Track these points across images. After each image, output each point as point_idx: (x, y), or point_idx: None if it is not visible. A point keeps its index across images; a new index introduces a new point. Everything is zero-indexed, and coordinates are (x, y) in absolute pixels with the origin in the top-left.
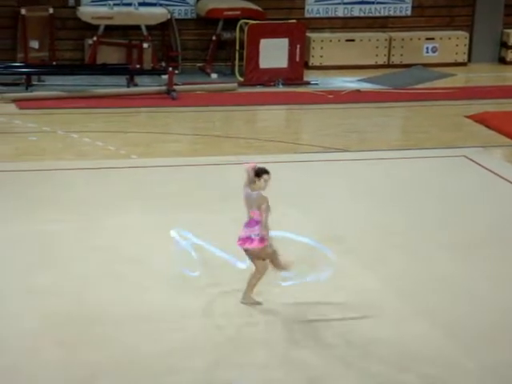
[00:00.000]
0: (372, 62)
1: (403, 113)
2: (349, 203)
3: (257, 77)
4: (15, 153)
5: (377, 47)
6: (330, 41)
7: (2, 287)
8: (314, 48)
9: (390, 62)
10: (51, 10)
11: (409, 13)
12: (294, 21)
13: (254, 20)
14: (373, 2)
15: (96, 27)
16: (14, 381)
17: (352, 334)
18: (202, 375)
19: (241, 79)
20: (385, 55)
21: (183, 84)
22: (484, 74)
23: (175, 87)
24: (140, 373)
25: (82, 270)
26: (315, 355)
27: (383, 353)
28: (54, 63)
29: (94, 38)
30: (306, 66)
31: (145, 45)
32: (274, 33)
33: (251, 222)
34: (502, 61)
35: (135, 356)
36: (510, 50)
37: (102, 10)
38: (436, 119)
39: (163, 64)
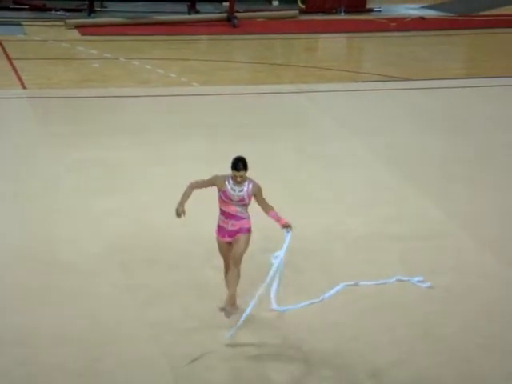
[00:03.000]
0: None
1: (468, 40)
2: (410, 133)
3: (318, 4)
4: (78, 79)
5: None
6: None
7: (68, 212)
8: None
9: None
10: None
11: None
12: None
13: None
14: None
15: None
16: (80, 302)
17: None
18: None
19: (302, 6)
20: None
21: (244, 11)
22: None
23: (236, 14)
24: (205, 294)
25: (144, 196)
26: None
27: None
28: None
29: None
30: None
31: None
32: None
33: (237, 216)
34: None
35: (199, 280)
36: None
37: None
38: (503, 47)
39: None
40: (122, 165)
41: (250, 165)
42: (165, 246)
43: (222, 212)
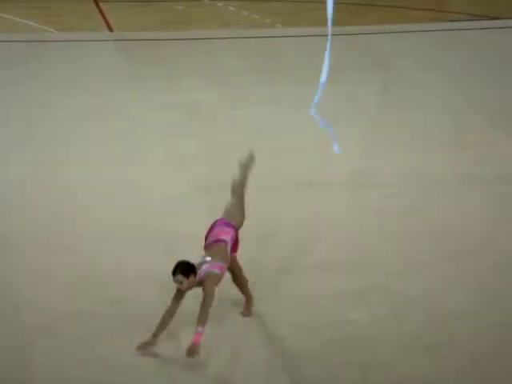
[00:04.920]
0: None
1: None
2: (501, 75)
3: None
4: (162, 21)
5: None
6: None
7: (152, 155)
8: None
9: None
10: None
11: None
12: None
13: None
14: None
15: None
16: (171, 241)
17: None
18: None
19: None
20: None
21: None
22: None
23: None
24: (285, 239)
25: (225, 139)
26: None
27: None
28: None
29: None
30: None
31: None
32: None
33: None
34: None
35: (286, 221)
36: None
37: None
38: None
39: None
40: (203, 107)
41: (336, 107)
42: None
43: None
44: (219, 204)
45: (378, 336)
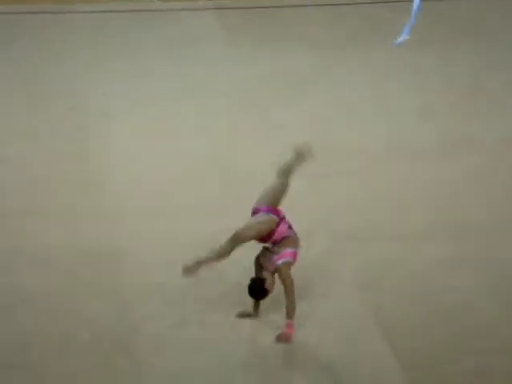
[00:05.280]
0: None
1: None
2: None
3: None
4: None
5: None
6: None
7: (247, 124)
8: None
9: None
10: None
11: None
12: None
13: None
14: None
15: None
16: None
17: None
18: None
19: None
20: None
21: None
22: None
23: None
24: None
25: (320, 110)
26: None
27: None
28: None
29: None
30: None
31: None
32: None
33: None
34: None
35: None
36: None
37: None
38: None
39: None
40: (303, 75)
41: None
42: (341, 155)
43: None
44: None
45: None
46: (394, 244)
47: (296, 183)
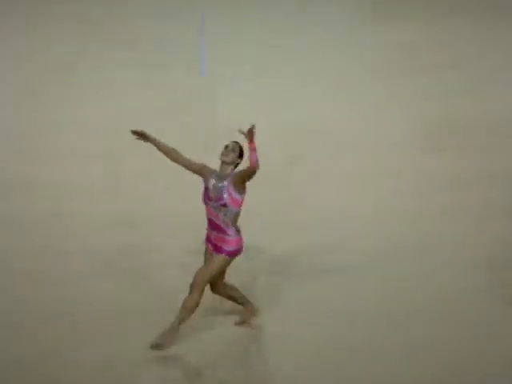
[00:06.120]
0: None
1: None
2: None
3: None
4: None
5: None
6: None
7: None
8: None
9: None
10: None
11: None
12: None
13: None
14: None
15: None
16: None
17: None
18: None
19: None
20: None
21: None
22: None
23: None
24: None
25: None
26: None
27: None
28: None
29: None
30: None
31: None
32: None
33: (220, 228)
34: None
35: None
36: None
37: None
38: None
39: None
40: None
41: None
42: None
43: (207, 219)
44: None
45: None
46: None
47: None
